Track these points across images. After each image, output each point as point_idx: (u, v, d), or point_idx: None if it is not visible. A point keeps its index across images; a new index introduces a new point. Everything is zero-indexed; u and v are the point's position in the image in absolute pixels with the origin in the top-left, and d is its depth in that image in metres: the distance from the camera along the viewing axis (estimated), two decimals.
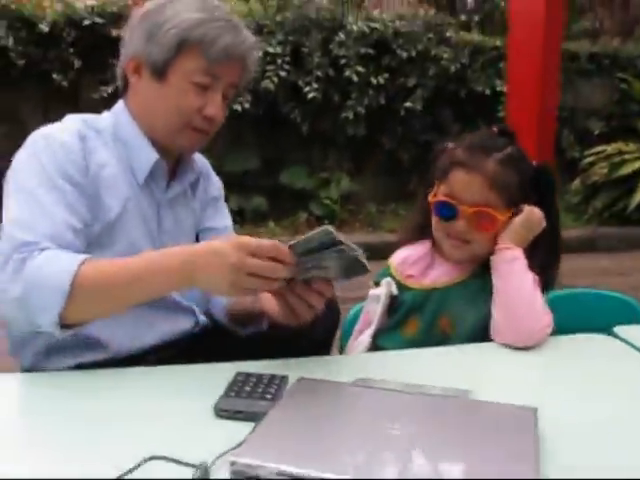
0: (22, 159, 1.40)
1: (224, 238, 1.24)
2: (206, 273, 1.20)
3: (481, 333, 1.49)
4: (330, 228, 1.15)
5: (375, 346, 1.58)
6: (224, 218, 1.73)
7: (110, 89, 5.83)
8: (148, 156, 1.50)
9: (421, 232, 1.66)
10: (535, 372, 1.33)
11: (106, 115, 1.54)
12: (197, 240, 1.64)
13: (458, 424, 0.99)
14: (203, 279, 1.21)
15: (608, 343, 1.47)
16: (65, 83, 5.89)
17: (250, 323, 1.58)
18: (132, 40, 1.49)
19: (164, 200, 1.55)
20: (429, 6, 7.43)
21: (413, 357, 1.42)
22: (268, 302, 1.45)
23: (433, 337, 1.53)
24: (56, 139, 1.39)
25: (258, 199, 6.24)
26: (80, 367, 1.37)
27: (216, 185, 1.74)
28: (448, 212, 1.53)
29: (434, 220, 1.57)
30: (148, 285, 1.25)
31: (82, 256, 1.24)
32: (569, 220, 6.85)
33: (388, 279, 1.61)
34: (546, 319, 1.44)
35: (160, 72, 1.46)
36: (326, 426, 0.98)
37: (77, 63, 5.88)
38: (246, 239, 1.18)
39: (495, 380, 1.26)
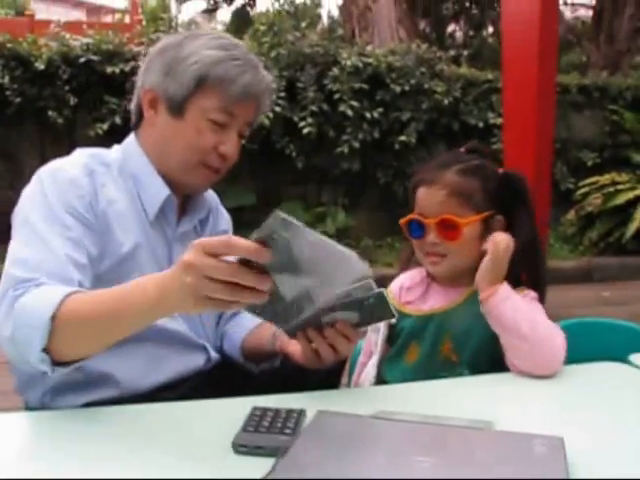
0: (28, 194, 1.38)
1: None
2: (172, 288, 1.06)
3: (485, 357, 1.49)
4: (364, 266, 1.11)
5: (379, 376, 1.57)
6: None
7: (105, 126, 5.86)
8: (159, 192, 1.48)
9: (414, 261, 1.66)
10: (554, 401, 1.31)
11: (116, 149, 1.53)
12: None
13: (487, 455, 0.97)
14: (172, 297, 1.07)
15: (624, 371, 1.46)
16: (61, 120, 5.91)
17: (264, 360, 1.56)
18: (149, 73, 1.49)
19: (175, 236, 1.54)
20: (420, 41, 7.50)
21: (429, 388, 1.39)
22: (289, 342, 1.43)
23: (437, 363, 1.52)
24: (63, 174, 1.38)
25: None
26: (89, 405, 1.34)
27: (225, 219, 1.73)
28: (416, 229, 1.54)
29: (413, 243, 1.59)
30: (130, 315, 1.15)
31: (69, 289, 1.20)
32: (565, 251, 6.88)
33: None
34: (558, 341, 1.42)
35: (177, 108, 1.45)
36: (352, 459, 0.96)
37: (72, 100, 5.91)
38: (203, 239, 1.04)
39: (515, 410, 1.24)
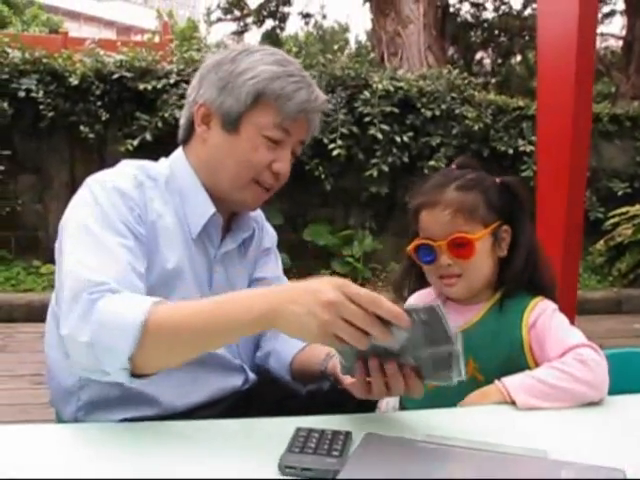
0: (78, 202, 1.36)
1: (315, 279, 1.09)
2: (293, 311, 1.06)
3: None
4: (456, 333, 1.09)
5: (401, 402, 1.51)
6: (275, 268, 1.70)
7: (136, 142, 5.90)
8: (204, 209, 1.46)
9: (415, 283, 1.63)
10: (605, 430, 1.26)
11: (163, 163, 1.51)
12: None
13: None
14: (289, 317, 1.07)
15: None
16: (92, 135, 5.96)
17: (312, 381, 1.53)
18: (202, 88, 1.46)
19: (217, 256, 1.51)
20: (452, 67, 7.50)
21: (472, 413, 1.35)
22: (344, 376, 1.36)
23: (463, 385, 1.44)
24: (113, 185, 1.36)
25: (281, 255, 6.17)
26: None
27: (270, 235, 1.71)
28: (427, 254, 1.51)
29: (424, 268, 1.55)
30: (228, 325, 1.13)
31: (154, 298, 1.17)
32: (593, 281, 6.80)
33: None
34: (591, 363, 1.36)
35: (232, 124, 1.42)
36: None
37: (104, 116, 5.96)
38: (346, 280, 1.06)
39: (567, 439, 1.19)
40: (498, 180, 1.55)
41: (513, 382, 1.37)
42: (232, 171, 1.44)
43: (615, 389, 1.40)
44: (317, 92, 1.46)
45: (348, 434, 1.10)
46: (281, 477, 1.00)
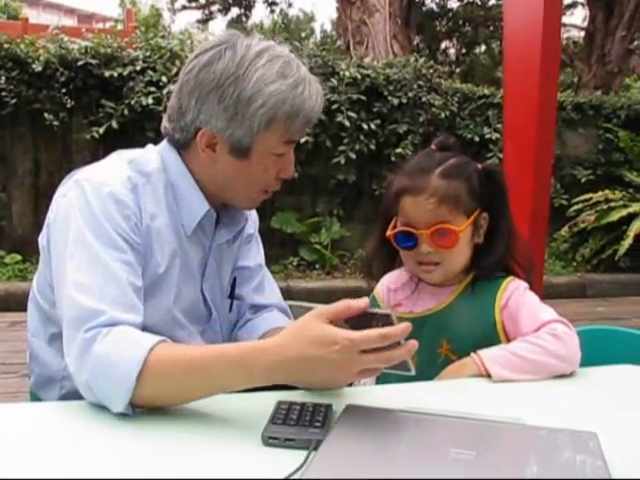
0: (73, 205, 1.31)
1: (310, 332, 1.09)
2: (299, 374, 1.12)
3: None
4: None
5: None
6: (257, 256, 1.68)
7: (102, 130, 5.82)
8: (199, 207, 1.44)
9: (386, 264, 1.64)
10: (577, 400, 1.30)
11: (153, 154, 1.46)
12: (234, 280, 1.60)
13: (526, 449, 0.96)
14: (297, 379, 1.16)
15: None
16: (56, 123, 5.84)
17: None
18: (202, 112, 1.37)
19: (210, 248, 1.51)
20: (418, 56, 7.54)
21: (449, 386, 1.39)
22: None
23: (438, 365, 1.48)
24: (108, 190, 1.32)
25: None
26: None
27: (252, 220, 1.68)
28: (408, 241, 1.51)
29: (400, 252, 1.56)
30: (222, 383, 1.15)
31: (151, 341, 1.15)
32: (557, 267, 6.90)
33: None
34: (564, 336, 1.40)
35: (244, 152, 1.39)
36: (389, 450, 0.95)
37: (69, 103, 5.85)
38: (348, 336, 1.06)
39: (540, 409, 1.23)
40: (480, 166, 1.55)
41: (488, 355, 1.39)
42: (243, 191, 1.45)
43: (583, 364, 1.43)
44: (315, 88, 1.40)
45: (329, 406, 1.12)
46: (264, 448, 1.01)
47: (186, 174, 1.44)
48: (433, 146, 1.57)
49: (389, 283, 1.65)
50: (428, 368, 1.47)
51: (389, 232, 1.54)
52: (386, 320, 1.08)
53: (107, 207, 1.30)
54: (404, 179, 1.51)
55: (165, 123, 1.46)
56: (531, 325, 1.45)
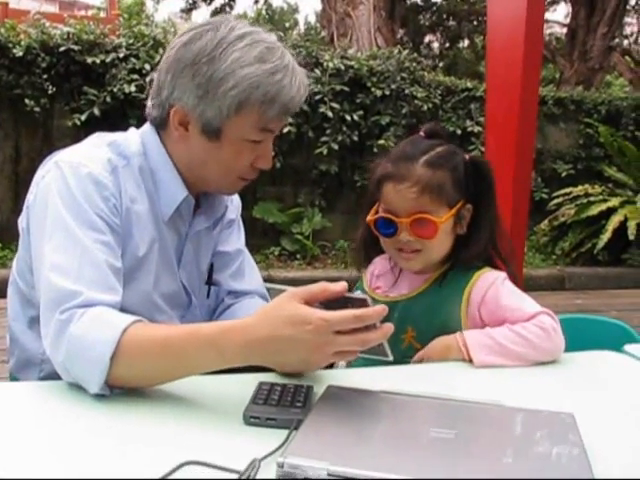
0: (51, 187, 1.30)
1: (285, 311, 1.07)
2: (272, 354, 1.09)
3: None
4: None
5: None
6: (238, 241, 1.67)
7: (83, 117, 5.78)
8: (177, 193, 1.42)
9: (373, 250, 1.63)
10: (555, 384, 1.32)
11: (134, 137, 1.44)
12: (211, 266, 1.59)
13: (504, 428, 0.97)
14: (269, 360, 1.13)
15: (620, 358, 1.49)
16: (37, 109, 5.80)
17: None
18: (176, 89, 1.36)
19: (188, 234, 1.50)
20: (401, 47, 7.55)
21: (425, 369, 1.40)
22: None
23: (401, 351, 1.47)
24: (87, 170, 1.30)
25: None
26: None
27: (234, 205, 1.66)
28: (388, 228, 1.49)
29: (380, 239, 1.54)
30: (196, 364, 1.13)
31: (125, 322, 1.14)
32: (537, 260, 6.96)
33: (358, 292, 1.58)
34: (549, 327, 1.40)
35: (214, 132, 1.36)
36: (370, 429, 0.96)
37: (50, 90, 5.82)
38: (322, 315, 1.03)
39: (519, 393, 1.24)
40: (467, 157, 1.53)
41: (473, 341, 1.39)
42: (216, 174, 1.41)
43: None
44: (299, 79, 1.36)
45: (310, 387, 1.13)
46: (246, 428, 1.02)
47: (166, 159, 1.42)
48: (422, 133, 1.54)
49: (374, 269, 1.66)
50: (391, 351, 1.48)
51: (369, 217, 1.53)
52: (362, 304, 1.06)
53: (86, 188, 1.29)
54: (388, 165, 1.49)
55: (148, 102, 1.46)
56: (517, 317, 1.43)
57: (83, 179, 1.29)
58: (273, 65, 1.32)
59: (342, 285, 1.09)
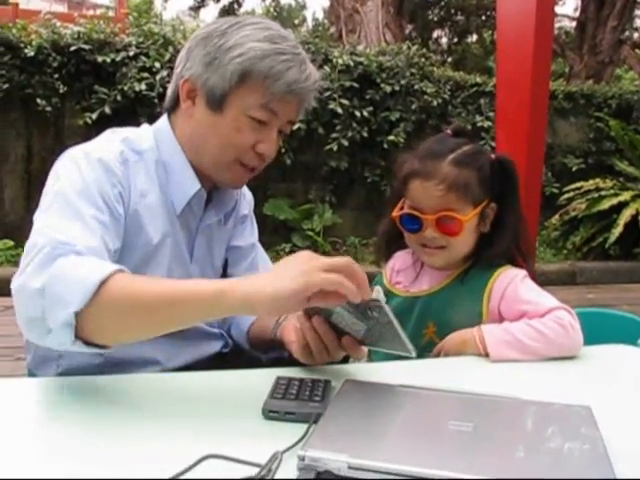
0: (59, 170, 1.31)
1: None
2: (274, 278, 1.03)
3: None
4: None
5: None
6: (251, 236, 1.68)
7: (94, 116, 5.82)
8: (189, 186, 1.43)
9: (394, 244, 1.65)
10: (572, 379, 1.32)
11: (147, 132, 1.46)
12: (226, 261, 1.60)
13: (523, 422, 0.98)
14: (271, 284, 1.03)
15: (634, 353, 1.50)
16: (49, 108, 5.85)
17: (270, 349, 1.53)
18: (189, 61, 1.41)
19: (199, 228, 1.50)
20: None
21: (442, 364, 1.41)
22: (290, 333, 1.37)
23: (421, 347, 1.47)
24: (98, 156, 1.32)
25: None
26: None
27: (247, 201, 1.68)
28: (413, 224, 1.51)
29: (405, 234, 1.56)
30: (189, 307, 1.07)
31: (119, 266, 1.11)
32: (549, 255, 6.95)
33: (377, 287, 1.60)
34: (567, 324, 1.39)
35: (217, 102, 1.37)
36: (388, 422, 0.97)
37: (62, 89, 5.86)
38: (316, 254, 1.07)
39: (535, 386, 1.25)
40: (493, 156, 1.54)
41: (491, 337, 1.39)
42: (214, 151, 1.40)
43: None
44: (310, 70, 1.39)
45: (328, 381, 1.14)
46: (265, 422, 1.03)
47: (179, 151, 1.43)
48: (449, 131, 1.56)
49: (394, 263, 1.66)
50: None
51: (395, 213, 1.54)
52: (380, 310, 1.10)
53: (95, 170, 1.30)
54: (415, 162, 1.51)
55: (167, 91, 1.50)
56: (534, 312, 1.43)
57: (94, 163, 1.30)
58: (282, 47, 1.35)
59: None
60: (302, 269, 1.03)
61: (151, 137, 1.45)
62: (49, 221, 1.20)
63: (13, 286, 1.12)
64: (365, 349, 1.27)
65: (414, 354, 1.16)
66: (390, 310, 1.11)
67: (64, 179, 1.28)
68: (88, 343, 1.09)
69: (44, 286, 1.06)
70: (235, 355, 1.59)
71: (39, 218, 1.24)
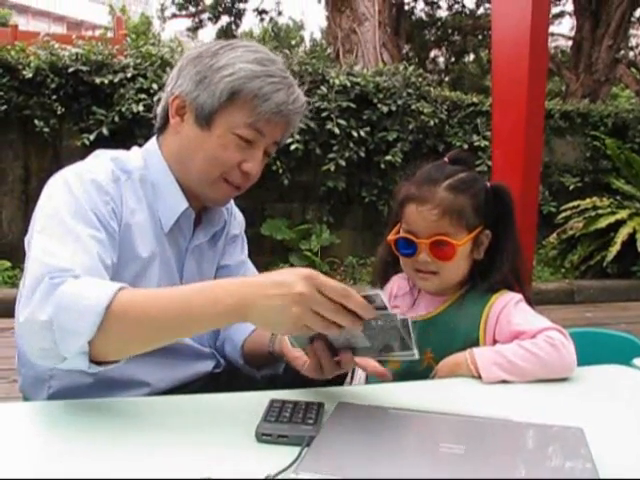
0: (52, 191, 1.32)
1: (284, 270, 1.10)
2: (264, 305, 1.06)
3: None
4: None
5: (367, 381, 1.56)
6: (241, 253, 1.70)
7: (92, 137, 5.84)
8: (177, 204, 1.45)
9: (391, 268, 1.66)
10: (565, 400, 1.31)
11: (136, 154, 1.49)
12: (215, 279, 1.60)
13: (514, 443, 0.98)
14: (261, 311, 1.06)
15: (629, 373, 1.49)
16: (47, 130, 5.87)
17: (266, 365, 1.54)
18: (179, 79, 1.45)
19: (188, 249, 1.51)
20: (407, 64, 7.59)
21: (434, 386, 1.41)
22: (291, 349, 1.38)
23: (419, 372, 1.48)
24: (90, 176, 1.33)
25: None
26: None
27: (238, 221, 1.70)
28: (407, 248, 1.53)
29: (400, 258, 1.57)
30: (193, 317, 1.10)
31: (120, 284, 1.13)
32: (546, 273, 6.95)
33: (379, 291, 1.60)
34: (559, 344, 1.38)
35: (205, 119, 1.41)
36: (380, 445, 0.97)
37: (59, 110, 5.88)
38: (314, 272, 1.06)
39: (528, 407, 1.25)
40: (489, 184, 1.57)
41: (482, 359, 1.39)
42: (200, 167, 1.43)
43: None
44: (297, 94, 1.44)
45: (321, 404, 1.14)
46: (258, 445, 1.02)
47: (167, 171, 1.46)
48: (446, 159, 1.59)
49: (392, 288, 1.68)
50: (409, 374, 1.48)
51: (390, 237, 1.56)
52: (375, 299, 1.08)
53: (87, 190, 1.31)
54: (412, 187, 1.54)
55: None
56: (526, 334, 1.44)
57: (86, 183, 1.32)
58: (272, 70, 1.41)
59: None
60: (293, 313, 1.04)
61: (140, 157, 1.48)
62: (44, 244, 1.21)
63: (20, 320, 1.13)
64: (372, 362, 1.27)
65: (417, 357, 1.15)
66: (397, 314, 1.10)
67: (57, 200, 1.29)
68: (100, 362, 1.13)
69: (51, 319, 1.08)
70: (228, 375, 1.59)
71: (35, 240, 1.24)
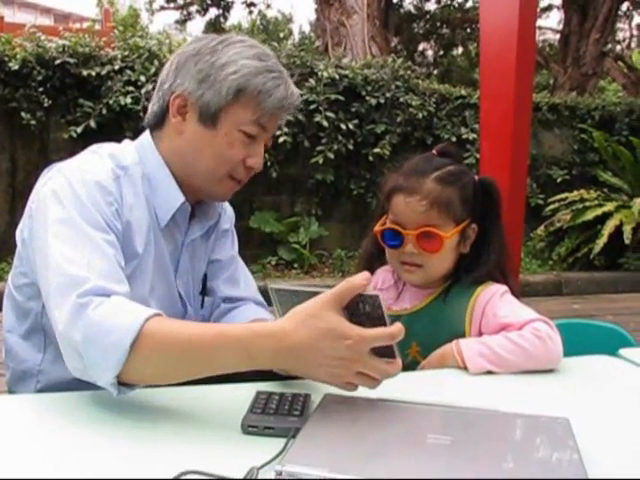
0: (57, 192, 1.30)
1: (320, 320, 1.03)
2: (303, 364, 1.06)
3: None
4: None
5: None
6: (231, 248, 1.69)
7: (79, 129, 5.80)
8: (173, 199, 1.44)
9: (376, 261, 1.66)
10: (552, 391, 1.32)
11: (129, 148, 1.48)
12: (205, 274, 1.61)
13: (500, 434, 0.98)
14: (298, 368, 1.09)
15: (615, 363, 1.50)
16: (34, 122, 5.83)
17: None
18: (179, 77, 1.43)
19: (184, 243, 1.51)
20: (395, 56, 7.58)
21: (422, 377, 1.41)
22: None
23: (404, 365, 1.46)
24: (92, 176, 1.33)
25: None
26: None
27: (228, 216, 1.69)
28: (394, 239, 1.53)
29: (386, 249, 1.57)
30: (222, 364, 1.10)
31: (147, 312, 1.11)
32: (534, 266, 6.98)
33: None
34: (545, 336, 1.39)
35: (210, 118, 1.40)
36: (367, 436, 0.97)
37: (46, 102, 5.84)
38: (360, 332, 1.02)
39: (515, 398, 1.26)
40: (476, 178, 1.57)
41: (468, 350, 1.39)
42: (207, 166, 1.43)
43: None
44: (292, 88, 1.45)
45: (307, 396, 1.14)
46: (244, 436, 1.03)
47: (162, 165, 1.45)
48: (434, 151, 1.59)
49: (377, 281, 1.67)
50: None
51: (377, 228, 1.56)
52: (375, 301, 1.05)
53: (92, 193, 1.30)
54: (399, 178, 1.53)
55: (149, 107, 1.50)
56: (513, 326, 1.44)
57: (90, 185, 1.31)
58: (270, 65, 1.41)
59: (365, 277, 1.06)
60: (335, 373, 1.06)
61: (134, 152, 1.46)
62: (63, 253, 1.21)
63: (59, 329, 1.14)
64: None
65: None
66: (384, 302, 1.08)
67: (63, 205, 1.28)
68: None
69: (81, 347, 1.10)
70: None
71: (53, 252, 1.22)
